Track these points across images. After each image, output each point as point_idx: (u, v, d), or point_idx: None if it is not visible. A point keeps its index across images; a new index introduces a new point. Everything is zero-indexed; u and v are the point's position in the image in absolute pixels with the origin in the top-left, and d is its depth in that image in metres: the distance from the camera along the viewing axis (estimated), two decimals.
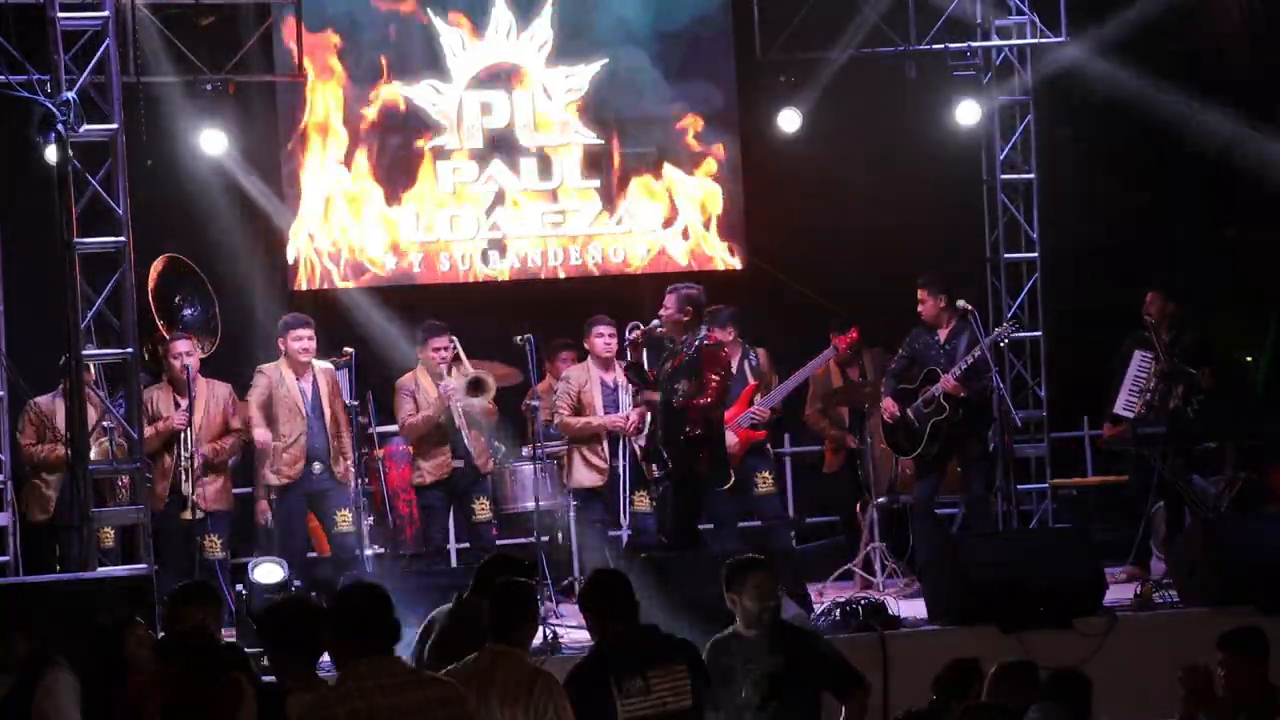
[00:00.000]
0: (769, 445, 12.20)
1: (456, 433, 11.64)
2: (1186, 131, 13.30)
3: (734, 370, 11.79)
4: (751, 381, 12.04)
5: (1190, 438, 11.95)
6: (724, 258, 14.14)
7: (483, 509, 11.75)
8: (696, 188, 14.11)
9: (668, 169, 14.08)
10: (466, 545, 12.32)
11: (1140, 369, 12.01)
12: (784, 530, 12.46)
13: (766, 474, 12.00)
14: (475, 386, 11.60)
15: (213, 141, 12.15)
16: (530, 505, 11.60)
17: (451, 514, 12.16)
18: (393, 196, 13.70)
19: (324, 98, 13.52)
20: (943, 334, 11.90)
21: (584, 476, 11.85)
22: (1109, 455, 13.22)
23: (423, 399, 11.68)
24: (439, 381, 11.65)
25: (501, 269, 13.84)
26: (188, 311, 11.69)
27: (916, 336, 11.98)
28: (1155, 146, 13.78)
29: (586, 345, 11.97)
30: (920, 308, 11.91)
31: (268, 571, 10.62)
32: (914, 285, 11.96)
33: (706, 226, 14.14)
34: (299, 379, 11.51)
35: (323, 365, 11.57)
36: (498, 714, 6.41)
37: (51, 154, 10.38)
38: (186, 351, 11.18)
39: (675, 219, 14.11)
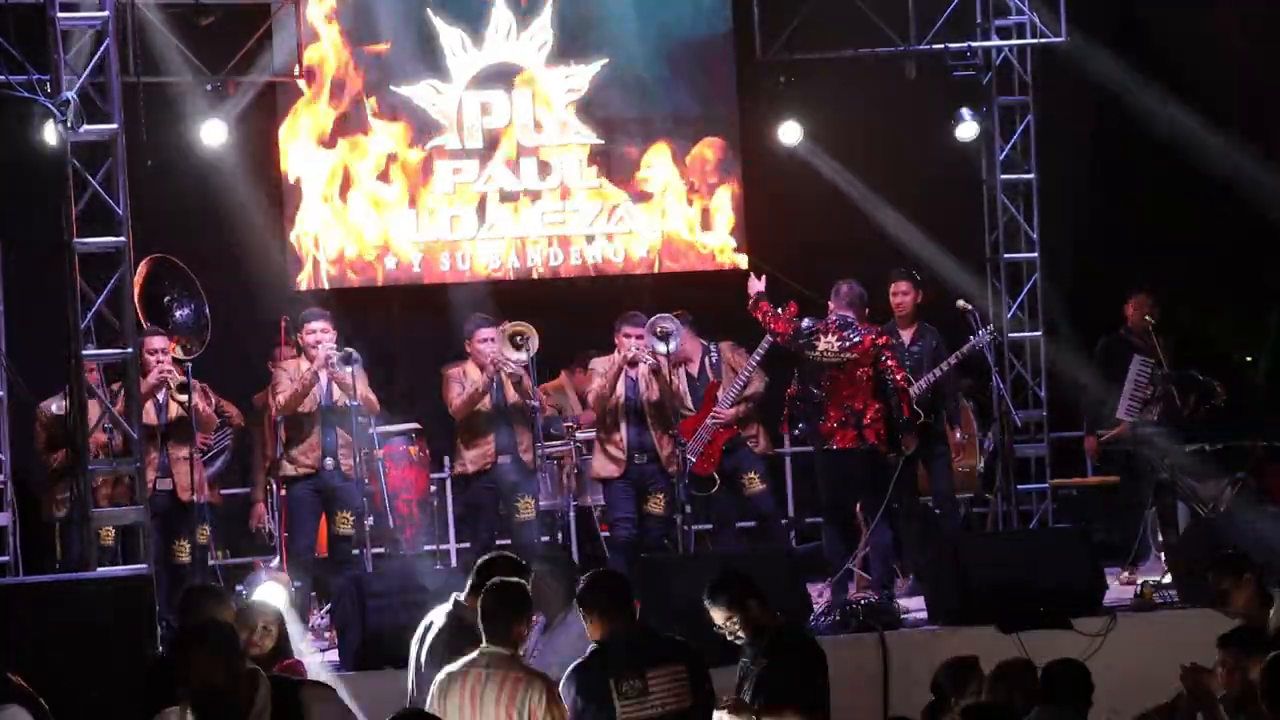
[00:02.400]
0: (750, 444, 12.01)
1: (502, 422, 11.42)
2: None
3: (695, 372, 11.74)
4: (713, 379, 11.90)
5: (1190, 438, 11.94)
6: (724, 258, 14.14)
7: (526, 508, 11.40)
8: (696, 188, 14.11)
9: (668, 169, 14.08)
10: (507, 541, 11.96)
11: (1140, 374, 12.00)
12: (781, 529, 12.42)
13: (753, 474, 11.77)
14: (517, 340, 11.45)
15: (213, 133, 12.07)
16: None
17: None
18: (394, 196, 13.70)
19: (324, 97, 13.53)
20: (906, 336, 11.82)
21: (601, 467, 11.67)
22: (1106, 456, 13.22)
23: (469, 386, 11.47)
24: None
25: (501, 269, 13.84)
26: (180, 313, 11.56)
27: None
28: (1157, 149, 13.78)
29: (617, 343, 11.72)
30: (904, 299, 11.85)
31: (269, 595, 10.52)
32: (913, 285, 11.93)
33: (707, 227, 14.14)
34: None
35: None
36: (491, 715, 6.41)
37: (51, 149, 10.39)
38: None
39: (675, 219, 14.11)
